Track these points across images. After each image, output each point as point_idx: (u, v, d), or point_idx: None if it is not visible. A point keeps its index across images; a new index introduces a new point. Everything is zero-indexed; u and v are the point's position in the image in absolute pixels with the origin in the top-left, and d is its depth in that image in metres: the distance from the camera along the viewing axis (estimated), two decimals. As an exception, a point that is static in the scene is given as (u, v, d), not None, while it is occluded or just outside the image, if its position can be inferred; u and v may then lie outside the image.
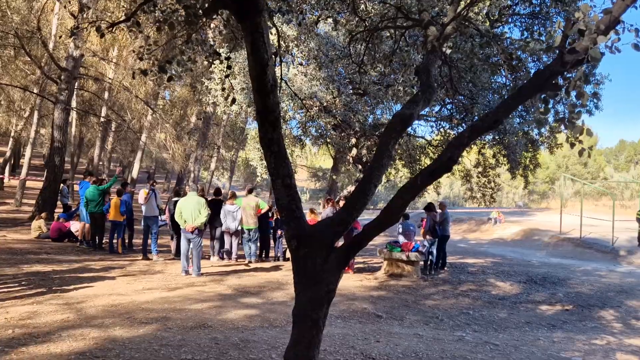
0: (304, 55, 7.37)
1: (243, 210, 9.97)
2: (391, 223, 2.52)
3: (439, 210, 11.73)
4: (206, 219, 8.03)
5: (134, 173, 24.36)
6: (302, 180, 50.42)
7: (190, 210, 7.88)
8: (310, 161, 44.23)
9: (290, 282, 8.40)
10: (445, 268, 11.83)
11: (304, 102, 7.34)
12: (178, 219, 8.03)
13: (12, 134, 27.95)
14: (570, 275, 11.96)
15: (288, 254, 11.87)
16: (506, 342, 5.82)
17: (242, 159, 34.51)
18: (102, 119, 18.51)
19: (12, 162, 30.06)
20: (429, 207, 11.63)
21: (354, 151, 9.38)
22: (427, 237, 11.13)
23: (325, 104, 7.92)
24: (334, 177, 10.77)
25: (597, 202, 35.63)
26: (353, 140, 8.38)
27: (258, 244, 10.43)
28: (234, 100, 5.98)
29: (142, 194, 9.78)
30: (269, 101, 2.60)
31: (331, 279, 2.47)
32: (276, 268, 9.92)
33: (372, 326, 6.04)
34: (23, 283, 6.64)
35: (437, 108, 12.45)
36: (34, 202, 18.69)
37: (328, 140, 9.02)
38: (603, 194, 35.52)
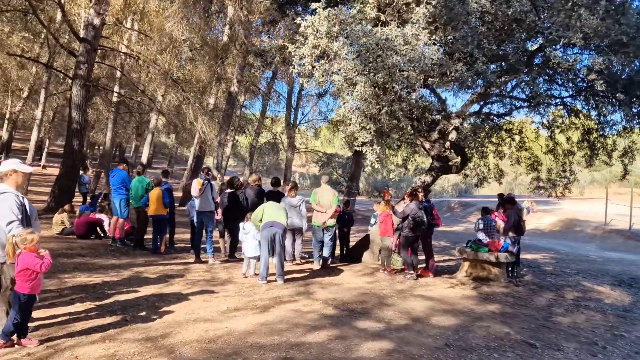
0: (426, 13, 5.76)
1: (318, 205, 8.42)
2: None
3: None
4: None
5: (143, 158, 22.59)
6: (298, 165, 49.39)
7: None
8: (313, 144, 42.66)
9: (389, 295, 6.99)
10: (524, 269, 10.56)
11: (426, 74, 5.76)
12: (255, 221, 6.52)
13: (8, 115, 25.94)
14: (657, 275, 10.77)
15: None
16: None
17: (263, 142, 32.43)
18: (117, 98, 16.65)
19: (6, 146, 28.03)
20: (512, 200, 10.23)
21: (454, 134, 7.84)
22: (510, 234, 9.74)
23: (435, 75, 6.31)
24: (375, 165, 9.20)
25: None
26: (457, 122, 6.83)
27: (331, 245, 8.83)
28: None
29: (195, 185, 8.16)
30: None
31: None
32: (342, 270, 8.47)
33: (541, 362, 4.64)
34: (76, 304, 5.12)
35: (509, 86, 10.89)
36: (40, 190, 17.04)
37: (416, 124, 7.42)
38: (611, 181, 34.53)
